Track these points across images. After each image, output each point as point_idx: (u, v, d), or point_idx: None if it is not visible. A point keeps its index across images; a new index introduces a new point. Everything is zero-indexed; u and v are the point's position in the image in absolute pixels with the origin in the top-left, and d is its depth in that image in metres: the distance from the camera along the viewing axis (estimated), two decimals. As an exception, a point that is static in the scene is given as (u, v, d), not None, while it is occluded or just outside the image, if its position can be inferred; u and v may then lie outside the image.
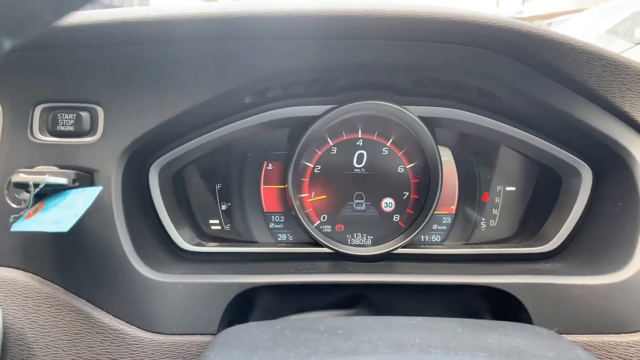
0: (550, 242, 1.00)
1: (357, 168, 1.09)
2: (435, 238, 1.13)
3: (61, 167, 0.85)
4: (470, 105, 1.00)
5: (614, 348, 0.81)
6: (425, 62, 0.89)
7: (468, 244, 1.11)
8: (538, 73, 0.86)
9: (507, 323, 0.70)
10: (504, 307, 0.90)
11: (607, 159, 0.93)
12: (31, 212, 0.79)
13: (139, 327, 0.82)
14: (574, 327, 0.82)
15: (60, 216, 0.75)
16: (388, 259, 1.05)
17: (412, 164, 1.08)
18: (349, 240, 1.10)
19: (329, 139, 1.08)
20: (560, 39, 0.81)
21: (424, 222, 1.03)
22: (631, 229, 0.87)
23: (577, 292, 0.83)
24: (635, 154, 0.88)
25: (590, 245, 0.95)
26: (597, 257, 0.91)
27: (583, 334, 0.82)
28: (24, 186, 0.80)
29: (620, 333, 0.81)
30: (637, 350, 0.80)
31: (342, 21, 0.82)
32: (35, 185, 0.79)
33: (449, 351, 0.57)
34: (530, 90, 0.89)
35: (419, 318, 0.68)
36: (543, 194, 1.08)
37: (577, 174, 0.99)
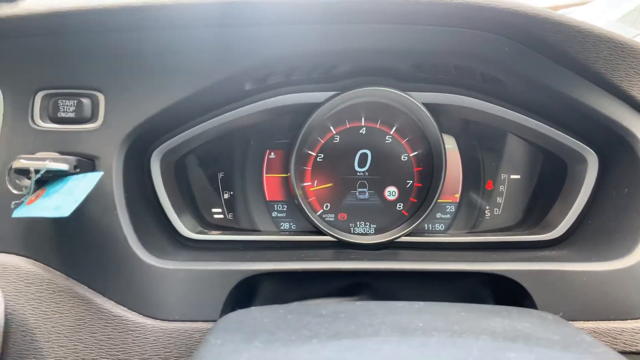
0: (556, 230, 0.99)
1: (360, 156, 1.08)
2: (439, 227, 1.12)
3: (62, 154, 0.85)
4: (475, 91, 0.99)
5: (620, 334, 0.80)
6: (429, 46, 0.88)
7: (472, 232, 1.11)
8: (544, 57, 0.85)
9: (512, 308, 0.69)
10: (508, 295, 0.89)
11: (613, 145, 0.91)
12: (32, 198, 0.79)
13: (140, 314, 0.82)
14: (580, 313, 0.82)
15: (61, 202, 0.75)
16: (391, 247, 1.04)
17: (416, 152, 1.07)
18: (352, 228, 1.09)
19: (331, 127, 1.07)
20: (567, 21, 0.80)
21: (428, 211, 1.02)
22: (637, 215, 0.86)
23: (583, 278, 0.82)
24: (643, 138, 0.86)
25: (596, 232, 0.94)
26: (603, 243, 0.90)
27: (588, 321, 0.81)
28: (25, 172, 0.79)
29: (626, 319, 0.80)
30: (644, 336, 0.79)
31: (344, 5, 0.81)
32: (36, 171, 0.78)
33: (453, 334, 0.57)
34: (536, 75, 0.87)
35: (422, 303, 0.68)
36: (548, 181, 1.07)
37: (583, 160, 0.98)
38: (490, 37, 0.84)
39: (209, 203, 1.11)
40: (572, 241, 0.98)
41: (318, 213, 1.09)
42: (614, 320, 0.80)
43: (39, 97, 0.87)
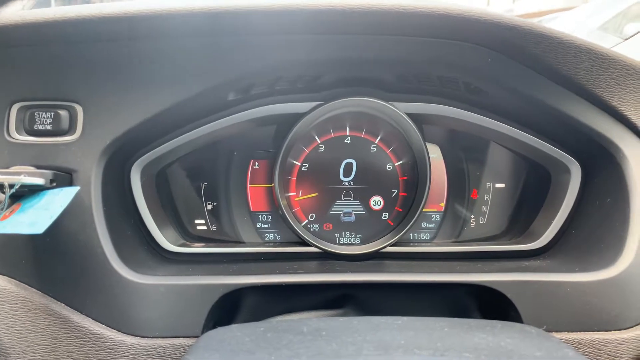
0: (540, 239, 0.99)
1: (345, 166, 1.07)
2: (425, 236, 1.12)
3: (39, 168, 0.82)
4: (458, 101, 0.99)
5: (604, 345, 0.80)
6: (412, 57, 0.88)
7: (457, 242, 1.10)
8: (526, 68, 0.85)
9: (496, 322, 0.69)
10: (493, 305, 0.88)
11: (596, 155, 0.92)
12: (7, 213, 0.77)
13: (120, 331, 0.80)
14: (564, 324, 0.81)
15: (36, 217, 0.72)
16: (377, 258, 1.03)
17: (401, 162, 1.07)
18: (337, 239, 1.08)
19: (316, 137, 1.06)
20: (548, 33, 0.80)
21: (413, 220, 1.02)
22: (620, 225, 0.86)
23: (567, 289, 0.82)
24: (624, 149, 0.87)
25: (579, 242, 0.94)
26: (587, 253, 0.90)
27: (573, 332, 0.81)
28: (-1, 187, 0.77)
29: (610, 330, 0.80)
30: (627, 347, 0.79)
31: (327, 16, 0.80)
32: (11, 186, 0.76)
33: (435, 352, 0.56)
34: (518, 86, 0.87)
35: (405, 318, 0.67)
36: (532, 191, 1.07)
37: (566, 170, 0.98)
38: (474, 48, 0.84)
39: (192, 214, 1.09)
40: (556, 251, 0.98)
41: (303, 223, 1.08)
42: (597, 331, 0.80)
43: (14, 109, 0.85)
